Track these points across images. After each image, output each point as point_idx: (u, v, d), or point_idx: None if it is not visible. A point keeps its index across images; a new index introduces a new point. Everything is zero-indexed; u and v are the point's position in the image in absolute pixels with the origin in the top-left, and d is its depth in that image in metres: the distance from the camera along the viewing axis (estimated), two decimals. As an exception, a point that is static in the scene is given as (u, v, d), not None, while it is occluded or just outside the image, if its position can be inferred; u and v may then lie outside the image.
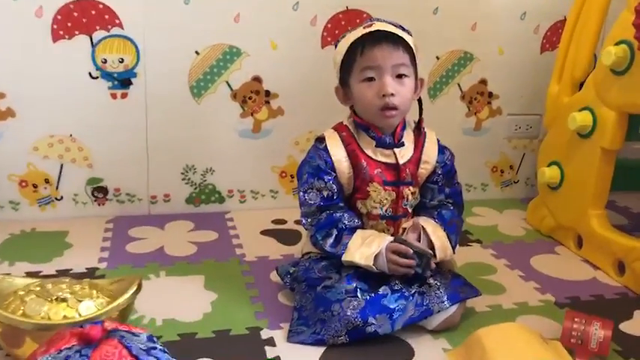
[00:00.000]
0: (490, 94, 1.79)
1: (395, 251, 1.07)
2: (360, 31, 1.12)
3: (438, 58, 1.72)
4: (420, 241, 1.12)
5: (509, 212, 1.78)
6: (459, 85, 1.76)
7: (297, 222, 1.55)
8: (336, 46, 1.17)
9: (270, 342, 1.06)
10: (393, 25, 1.13)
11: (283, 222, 1.61)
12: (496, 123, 1.82)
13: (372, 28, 1.11)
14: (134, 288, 1.00)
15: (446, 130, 1.73)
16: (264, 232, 1.55)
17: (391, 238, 1.10)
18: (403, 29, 1.14)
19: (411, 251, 1.07)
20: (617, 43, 1.32)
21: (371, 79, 1.10)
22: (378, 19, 1.15)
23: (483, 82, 1.77)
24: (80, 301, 0.96)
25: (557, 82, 1.58)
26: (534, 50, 1.77)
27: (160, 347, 0.62)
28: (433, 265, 1.11)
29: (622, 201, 1.88)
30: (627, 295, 1.31)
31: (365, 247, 1.08)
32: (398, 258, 1.06)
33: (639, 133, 1.37)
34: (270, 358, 1.00)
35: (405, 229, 1.15)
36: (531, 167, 1.88)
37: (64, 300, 0.96)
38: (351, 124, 1.16)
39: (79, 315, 0.95)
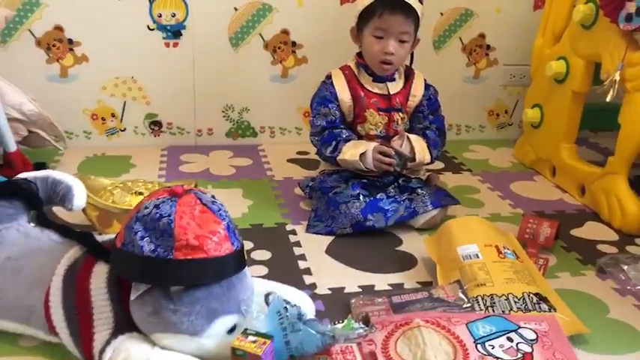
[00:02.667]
0: (488, 47, 2.06)
1: (380, 151, 1.38)
2: None
3: (441, 14, 1.98)
4: (402, 147, 1.41)
5: (501, 150, 2.07)
6: (460, 38, 2.02)
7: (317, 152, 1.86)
8: None
9: (293, 232, 1.40)
10: None
11: (306, 153, 1.92)
12: (493, 72, 2.09)
13: None
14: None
15: (448, 78, 2.01)
16: (290, 160, 1.87)
17: (377, 144, 1.40)
18: None
19: (393, 152, 1.37)
20: (586, 2, 1.58)
21: (380, 37, 1.40)
22: None
23: (482, 36, 2.04)
24: (152, 195, 1.30)
25: (542, 36, 1.84)
26: (528, 8, 2.02)
27: (220, 202, 0.94)
28: (410, 166, 1.41)
29: (603, 142, 2.14)
30: (584, 212, 1.60)
31: (354, 149, 1.40)
32: (382, 157, 1.37)
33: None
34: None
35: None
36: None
37: (141, 193, 1.30)
38: (354, 64, 1.47)
39: (152, 204, 1.28)
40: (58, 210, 1.35)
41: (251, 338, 0.87)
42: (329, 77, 1.48)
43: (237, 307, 0.90)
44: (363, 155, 1.38)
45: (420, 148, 1.42)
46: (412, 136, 1.43)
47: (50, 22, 1.74)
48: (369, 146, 1.39)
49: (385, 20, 1.38)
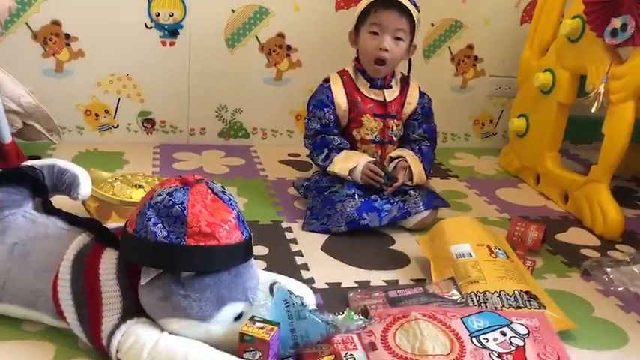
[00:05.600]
0: (476, 58, 2.12)
1: (372, 170, 1.43)
2: None
3: (432, 24, 2.04)
4: (404, 174, 1.47)
5: (486, 158, 2.12)
6: (449, 48, 2.08)
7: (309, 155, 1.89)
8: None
9: (289, 230, 1.42)
10: None
11: (297, 155, 1.95)
12: (479, 83, 2.15)
13: None
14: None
15: (436, 86, 2.06)
16: (282, 162, 1.89)
17: (369, 159, 1.45)
18: (414, 4, 1.47)
19: (383, 174, 1.44)
20: (573, 17, 1.65)
21: (375, 33, 1.44)
22: None
23: (470, 47, 2.10)
24: (152, 189, 1.32)
25: (529, 49, 1.91)
26: (515, 22, 2.09)
27: (229, 193, 0.97)
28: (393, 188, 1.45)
29: (583, 155, 2.22)
30: (567, 218, 1.66)
31: (345, 163, 1.45)
32: (372, 174, 1.43)
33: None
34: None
35: (392, 158, 1.50)
36: (508, 122, 2.20)
37: (141, 186, 1.31)
38: (352, 69, 1.52)
39: (152, 198, 1.30)
40: (55, 200, 1.35)
41: (259, 324, 0.90)
42: (327, 80, 1.52)
43: (245, 294, 0.93)
44: (352, 170, 1.43)
45: (418, 171, 1.48)
46: (412, 161, 1.48)
47: (48, 17, 1.74)
48: (360, 161, 1.44)
49: (380, 15, 1.43)
